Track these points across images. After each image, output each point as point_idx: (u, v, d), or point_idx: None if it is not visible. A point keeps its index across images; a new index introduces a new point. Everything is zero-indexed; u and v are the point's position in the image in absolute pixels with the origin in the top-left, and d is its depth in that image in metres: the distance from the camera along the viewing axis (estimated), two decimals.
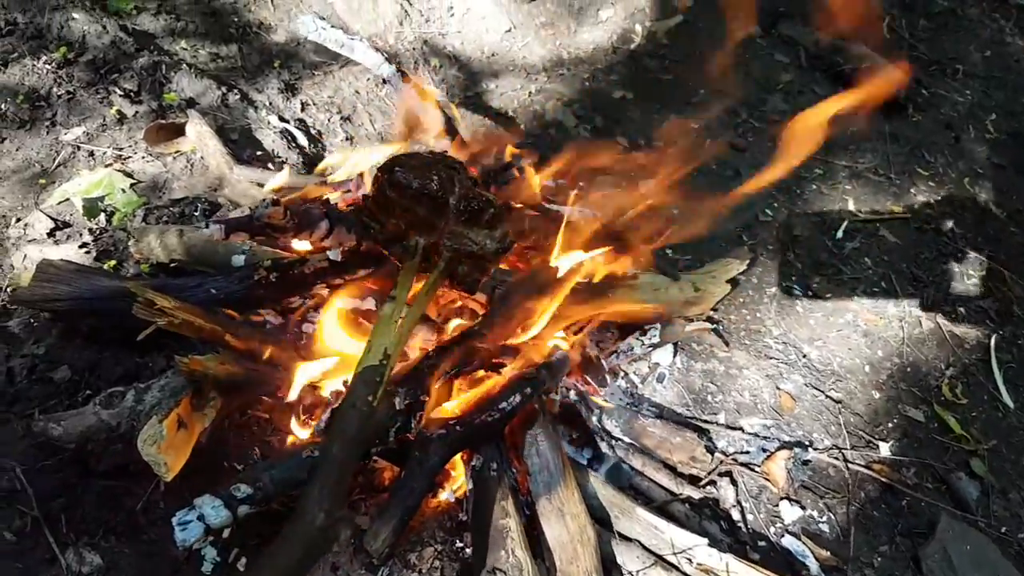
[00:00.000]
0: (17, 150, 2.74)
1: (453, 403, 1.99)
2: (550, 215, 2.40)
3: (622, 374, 2.51)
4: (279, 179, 2.14)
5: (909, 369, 2.78)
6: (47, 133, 2.79)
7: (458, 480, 2.04)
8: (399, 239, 1.79)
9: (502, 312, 2.04)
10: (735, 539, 2.20)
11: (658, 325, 2.50)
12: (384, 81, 2.39)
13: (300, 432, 1.92)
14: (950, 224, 3.43)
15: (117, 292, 1.96)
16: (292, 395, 1.88)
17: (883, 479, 2.40)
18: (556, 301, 2.04)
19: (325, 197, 2.08)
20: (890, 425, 2.58)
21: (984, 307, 3.09)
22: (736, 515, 2.26)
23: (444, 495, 2.03)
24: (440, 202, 1.77)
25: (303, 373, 1.89)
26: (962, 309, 3.06)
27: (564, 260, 2.18)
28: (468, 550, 1.93)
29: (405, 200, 1.75)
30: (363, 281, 2.10)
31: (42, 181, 2.66)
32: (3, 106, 2.78)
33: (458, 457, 1.99)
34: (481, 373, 1.98)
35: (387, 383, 1.46)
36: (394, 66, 2.33)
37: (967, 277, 3.22)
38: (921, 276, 3.16)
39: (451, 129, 2.52)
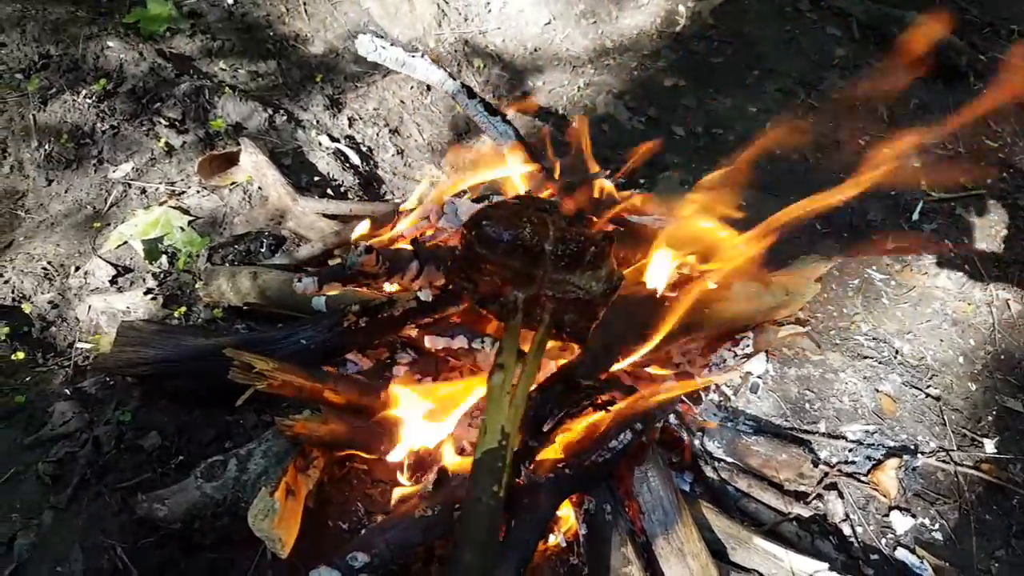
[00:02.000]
0: (66, 192, 2.66)
1: (560, 444, 1.90)
2: (635, 228, 2.28)
3: (714, 387, 2.41)
4: (362, 228, 2.04)
5: (1003, 356, 2.67)
6: (95, 172, 2.70)
7: (568, 521, 1.96)
8: (495, 296, 1.68)
9: (602, 342, 1.94)
10: (847, 555, 2.12)
11: (750, 333, 2.40)
12: (452, 97, 2.26)
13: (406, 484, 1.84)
14: None
15: (205, 351, 1.88)
16: (395, 455, 1.80)
17: (991, 479, 2.30)
18: (668, 326, 1.94)
19: (412, 237, 1.98)
20: (990, 419, 2.47)
21: None
22: (846, 529, 2.17)
23: (554, 539, 1.95)
24: (535, 251, 1.65)
25: (407, 430, 1.81)
26: None
27: (657, 277, 2.07)
28: None
29: (497, 255, 1.64)
30: (452, 317, 2.01)
31: (96, 224, 2.57)
32: (47, 146, 2.69)
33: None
34: (592, 413, 1.88)
35: (510, 467, 1.36)
36: (459, 82, 2.21)
37: None
38: (1003, 256, 3.03)
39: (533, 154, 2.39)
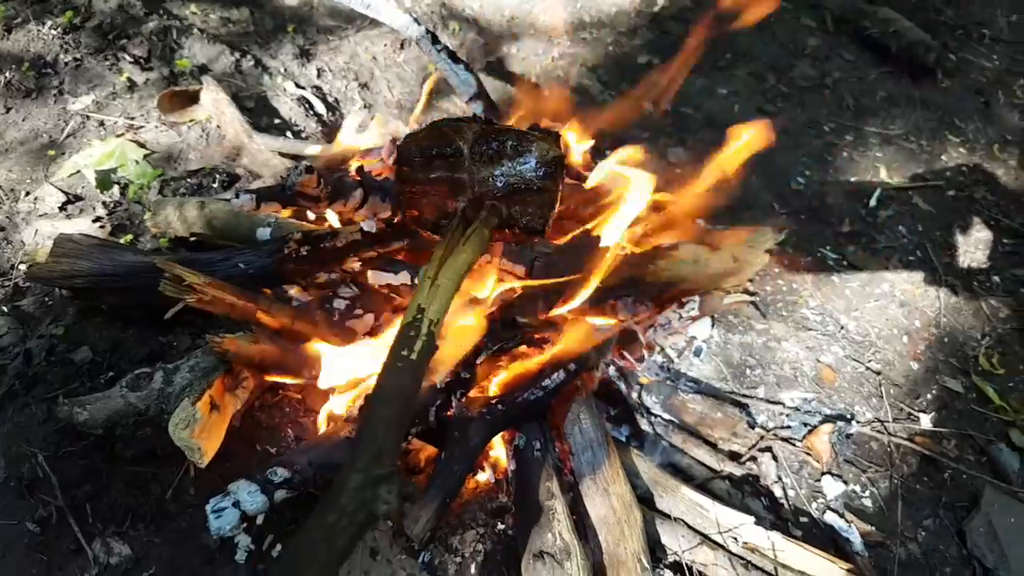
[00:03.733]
0: (23, 120, 2.63)
1: (494, 381, 1.91)
2: (584, 181, 2.29)
3: (658, 349, 2.43)
4: (316, 149, 2.03)
5: (946, 339, 2.71)
6: (54, 102, 2.68)
7: (498, 460, 1.97)
8: (445, 216, 1.69)
9: (543, 286, 1.95)
10: (777, 516, 2.14)
11: (697, 297, 2.41)
12: (416, 43, 2.26)
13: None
14: (983, 192, 3.34)
15: (141, 268, 1.87)
16: (323, 382, 1.80)
17: (925, 451, 2.34)
18: (601, 274, 1.95)
19: (359, 165, 1.97)
20: (929, 396, 2.51)
21: (1018, 275, 3.02)
22: (778, 491, 2.20)
23: (484, 476, 1.96)
24: (455, 156, 1.65)
25: (335, 356, 1.81)
26: (996, 278, 2.98)
27: (607, 231, 2.08)
28: (511, 532, 1.86)
29: (424, 174, 1.65)
30: (398, 254, 2.01)
31: (51, 152, 2.55)
32: (8, 74, 2.66)
33: (498, 436, 1.92)
34: (524, 349, 1.89)
35: (426, 337, 1.35)
36: (423, 27, 2.20)
37: (1001, 245, 3.13)
38: (955, 244, 3.08)
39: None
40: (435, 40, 2.24)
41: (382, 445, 1.20)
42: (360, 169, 1.84)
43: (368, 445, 1.19)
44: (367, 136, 2.31)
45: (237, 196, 1.64)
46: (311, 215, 2.00)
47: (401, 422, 1.26)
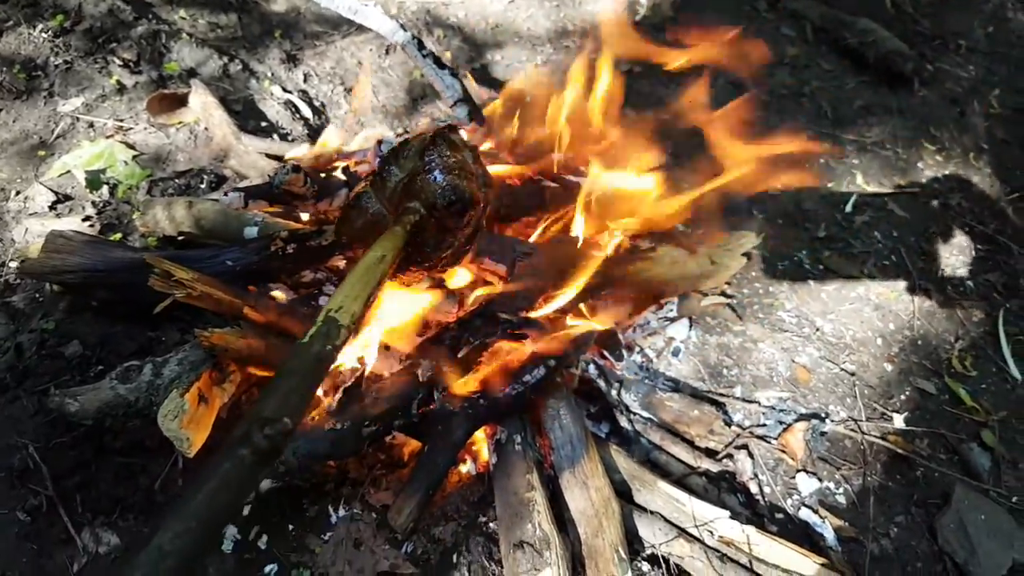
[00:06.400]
0: (14, 121, 2.66)
1: (475, 376, 1.95)
2: (568, 186, 2.35)
3: (637, 348, 2.48)
4: (300, 150, 2.08)
5: (920, 342, 2.78)
6: (44, 104, 2.71)
7: (480, 453, 2.01)
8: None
9: (524, 284, 2.01)
10: (753, 512, 2.19)
11: (675, 299, 2.47)
12: (402, 48, 2.31)
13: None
14: (957, 199, 3.42)
15: (130, 264, 1.90)
16: None
17: (898, 450, 2.39)
18: (584, 275, 2.00)
19: (344, 165, 2.02)
20: (903, 397, 2.57)
21: (991, 281, 3.09)
22: (754, 488, 2.25)
23: (466, 468, 2.00)
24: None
25: None
26: (970, 283, 3.05)
27: (584, 232, 2.14)
28: (493, 524, 1.91)
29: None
30: None
31: (41, 153, 2.59)
32: None
33: (480, 430, 1.96)
34: (504, 344, 1.94)
35: (321, 323, 1.27)
36: (410, 33, 2.26)
37: (974, 251, 3.21)
38: (930, 250, 3.15)
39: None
40: (421, 45, 2.30)
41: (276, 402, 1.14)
42: (346, 169, 1.88)
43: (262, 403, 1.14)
44: (353, 139, 2.36)
45: (226, 195, 1.68)
46: (302, 215, 2.04)
47: (300, 393, 1.20)
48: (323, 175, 1.85)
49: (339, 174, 1.93)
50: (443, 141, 1.65)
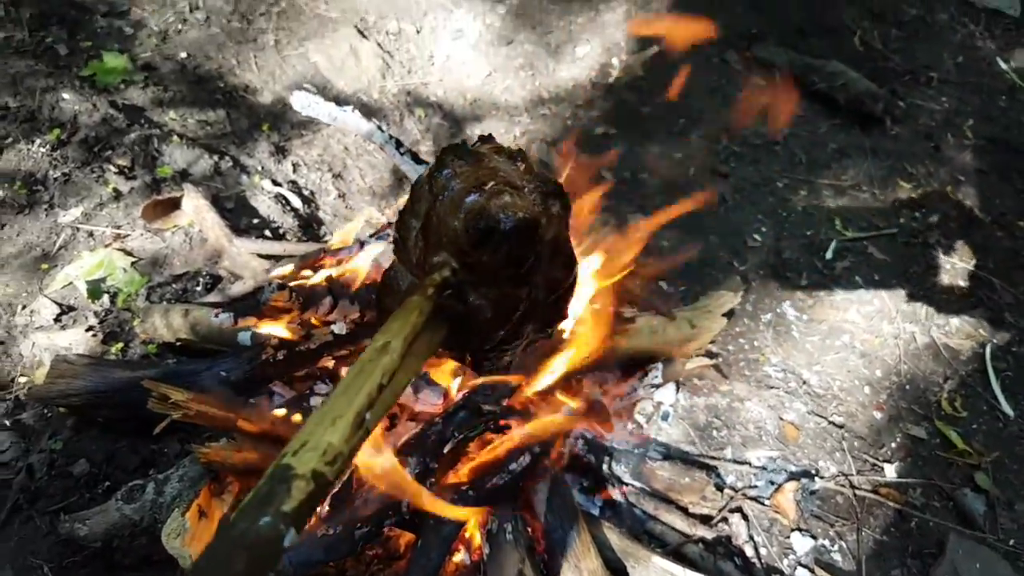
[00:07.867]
0: (18, 235, 2.78)
1: (463, 468, 2.03)
2: None
3: (626, 418, 2.55)
4: (283, 270, 2.20)
5: (908, 386, 2.83)
6: (46, 216, 2.83)
7: (474, 540, 2.08)
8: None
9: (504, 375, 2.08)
10: (749, 575, 2.24)
11: (659, 365, 2.54)
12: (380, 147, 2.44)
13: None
14: (936, 236, 3.49)
15: (131, 384, 2.00)
16: None
17: (891, 503, 2.44)
18: (576, 353, 2.08)
19: (328, 274, 2.13)
20: (893, 445, 2.62)
21: (976, 317, 3.14)
22: (749, 551, 2.29)
23: (459, 558, 2.06)
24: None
25: None
26: (955, 321, 3.11)
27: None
28: None
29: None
30: None
31: (44, 266, 2.70)
32: (1, 192, 2.82)
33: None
34: (489, 436, 2.01)
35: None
36: (387, 133, 2.38)
37: (957, 289, 3.27)
38: (912, 291, 3.21)
39: None
40: (399, 144, 2.42)
41: None
42: (329, 278, 1.99)
43: None
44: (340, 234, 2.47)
45: (216, 316, 1.78)
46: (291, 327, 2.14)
47: None
48: (308, 285, 1.95)
49: (321, 280, 2.03)
50: (453, 155, 1.17)
